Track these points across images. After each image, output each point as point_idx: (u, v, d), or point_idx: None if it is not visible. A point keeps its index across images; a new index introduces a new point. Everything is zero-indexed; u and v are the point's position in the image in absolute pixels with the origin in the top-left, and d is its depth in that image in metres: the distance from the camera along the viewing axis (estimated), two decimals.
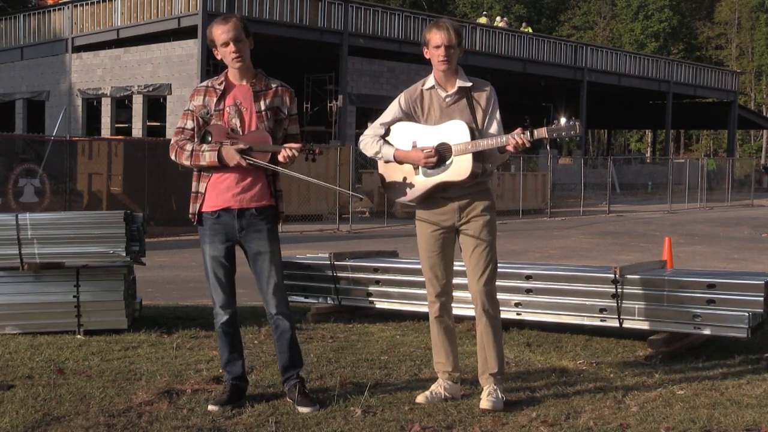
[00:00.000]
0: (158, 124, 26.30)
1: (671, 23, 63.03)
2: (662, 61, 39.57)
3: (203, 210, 4.35)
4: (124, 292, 6.15)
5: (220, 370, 4.99)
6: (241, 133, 4.32)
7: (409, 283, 6.65)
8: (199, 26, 23.64)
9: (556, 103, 37.08)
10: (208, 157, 4.25)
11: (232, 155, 4.22)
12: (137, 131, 25.51)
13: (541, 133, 4.27)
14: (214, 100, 4.34)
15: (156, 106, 25.80)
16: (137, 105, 25.78)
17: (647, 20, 62.79)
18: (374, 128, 4.60)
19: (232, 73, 4.39)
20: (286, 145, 4.29)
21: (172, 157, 4.39)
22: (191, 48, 24.06)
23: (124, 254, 5.99)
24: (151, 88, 25.13)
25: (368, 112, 28.84)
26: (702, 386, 4.81)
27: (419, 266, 6.73)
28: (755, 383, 4.90)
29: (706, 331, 5.50)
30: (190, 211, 4.40)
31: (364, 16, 27.28)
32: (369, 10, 27.49)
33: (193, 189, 4.39)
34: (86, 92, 27.01)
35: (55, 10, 28.34)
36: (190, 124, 4.36)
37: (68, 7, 27.59)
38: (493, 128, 4.44)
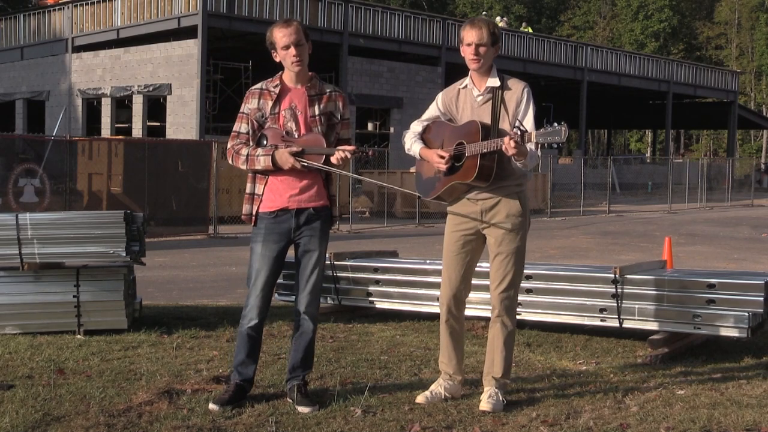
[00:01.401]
0: (158, 124, 26.29)
1: (671, 23, 63.03)
2: (662, 61, 39.57)
3: (261, 210, 4.39)
4: (124, 292, 6.15)
5: (220, 370, 4.99)
6: (296, 136, 4.36)
7: (409, 283, 6.66)
8: (199, 26, 23.63)
9: (556, 103, 37.07)
10: (263, 161, 4.32)
11: (285, 158, 4.27)
12: (137, 131, 25.51)
13: (530, 137, 4.20)
14: (270, 103, 4.38)
15: (156, 106, 25.80)
16: (137, 105, 25.78)
17: (647, 20, 62.79)
18: (414, 125, 4.68)
19: (288, 77, 4.42)
20: (339, 147, 4.33)
21: (230, 161, 4.48)
22: (191, 48, 24.05)
23: (124, 254, 5.99)
24: (151, 88, 25.13)
25: (368, 112, 28.86)
26: (702, 386, 4.81)
27: (419, 266, 6.78)
28: (755, 383, 4.90)
29: (706, 331, 5.50)
30: (245, 211, 4.44)
31: (364, 16, 27.28)
32: (369, 10, 27.49)
33: (249, 190, 4.44)
34: (86, 92, 27.01)
35: (55, 10, 28.34)
36: (244, 128, 4.42)
37: (68, 7, 27.59)
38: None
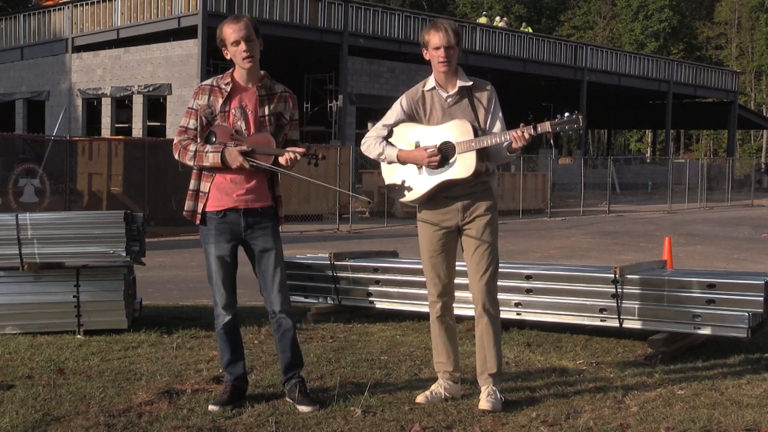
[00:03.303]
0: (158, 124, 26.30)
1: (671, 23, 63.03)
2: (662, 61, 39.57)
3: (207, 209, 4.34)
4: (124, 292, 6.15)
5: (221, 370, 4.99)
6: (245, 135, 4.33)
7: (409, 283, 6.65)
8: (199, 26, 23.63)
9: (556, 103, 37.08)
10: (211, 158, 4.26)
11: (234, 156, 4.23)
12: (137, 131, 25.52)
13: (545, 127, 4.26)
14: (220, 101, 4.34)
15: (156, 106, 25.81)
16: (137, 105, 25.78)
17: (647, 20, 62.79)
18: (377, 130, 4.60)
19: (239, 74, 4.38)
20: (289, 148, 4.31)
21: (176, 156, 4.40)
22: (191, 48, 24.05)
23: (124, 254, 5.99)
24: (151, 88, 25.13)
25: (368, 112, 28.86)
26: (702, 386, 4.81)
27: (419, 266, 6.74)
28: (755, 383, 4.90)
29: (706, 331, 5.50)
30: (188, 208, 4.38)
31: (364, 16, 27.28)
32: (369, 10, 27.49)
33: (193, 187, 4.38)
34: (86, 92, 27.01)
35: (55, 10, 28.34)
36: (192, 124, 4.36)
37: (68, 7, 27.59)
38: (497, 127, 4.46)
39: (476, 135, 4.34)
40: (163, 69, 24.82)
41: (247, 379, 4.53)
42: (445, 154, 4.39)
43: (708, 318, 5.42)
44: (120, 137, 23.15)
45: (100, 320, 6.12)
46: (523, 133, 4.23)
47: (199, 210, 4.35)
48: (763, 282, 5.41)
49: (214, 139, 4.31)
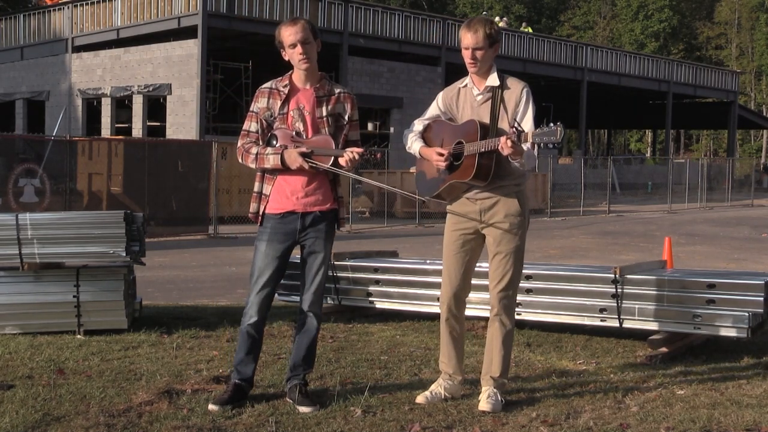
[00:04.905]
0: (158, 124, 26.29)
1: (671, 23, 63.03)
2: (662, 61, 39.57)
3: (267, 211, 4.40)
4: (124, 292, 6.15)
5: (220, 370, 4.99)
6: (304, 137, 4.36)
7: (409, 283, 6.65)
8: (199, 26, 23.63)
9: (556, 103, 37.08)
10: (272, 160, 4.32)
11: (294, 158, 4.28)
12: (137, 131, 25.52)
13: (526, 137, 4.20)
14: (278, 103, 4.39)
15: (156, 106, 25.80)
16: (137, 105, 25.78)
17: (647, 20, 62.79)
18: (416, 123, 4.69)
19: (297, 76, 4.42)
20: (348, 149, 4.33)
21: (240, 160, 4.48)
22: (191, 48, 24.05)
23: (124, 254, 5.99)
24: (151, 88, 25.13)
25: (368, 112, 28.85)
26: (702, 386, 4.81)
27: (419, 266, 6.78)
28: (755, 383, 4.90)
29: (706, 331, 5.50)
30: (253, 210, 4.46)
31: (364, 16, 27.28)
32: (369, 10, 27.49)
33: (257, 189, 4.45)
34: (86, 92, 27.01)
35: (55, 10, 28.34)
36: (254, 127, 4.43)
37: (68, 7, 27.60)
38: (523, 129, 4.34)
39: (484, 136, 4.30)
40: (163, 69, 24.82)
41: (253, 383, 4.52)
42: (456, 154, 4.39)
43: (708, 318, 5.42)
44: (120, 137, 23.16)
45: (100, 320, 6.12)
46: (506, 140, 4.13)
47: (260, 212, 4.42)
48: (763, 282, 5.41)
49: (275, 142, 4.37)
